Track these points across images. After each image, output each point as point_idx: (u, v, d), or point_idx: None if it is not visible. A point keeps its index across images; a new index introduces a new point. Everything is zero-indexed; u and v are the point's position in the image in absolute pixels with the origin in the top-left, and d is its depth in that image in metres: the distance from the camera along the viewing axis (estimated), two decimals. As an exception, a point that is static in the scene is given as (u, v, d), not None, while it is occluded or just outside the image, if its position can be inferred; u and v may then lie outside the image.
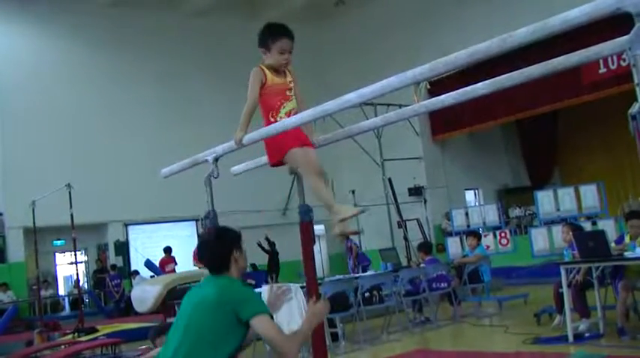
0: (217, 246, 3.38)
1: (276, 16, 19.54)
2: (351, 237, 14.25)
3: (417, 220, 18.27)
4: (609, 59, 14.67)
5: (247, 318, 3.13)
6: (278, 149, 4.08)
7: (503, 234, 13.25)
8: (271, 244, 18.33)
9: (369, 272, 11.40)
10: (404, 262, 14.70)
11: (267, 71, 4.05)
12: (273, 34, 4.05)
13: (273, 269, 18.08)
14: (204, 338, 3.14)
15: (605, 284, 7.82)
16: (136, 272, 17.40)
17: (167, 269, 16.01)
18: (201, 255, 3.47)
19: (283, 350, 3.15)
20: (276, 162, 4.16)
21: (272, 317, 3.27)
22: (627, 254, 6.98)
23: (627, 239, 7.37)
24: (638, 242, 7.21)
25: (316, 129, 4.27)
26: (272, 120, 4.06)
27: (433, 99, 3.62)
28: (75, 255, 13.92)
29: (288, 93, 4.12)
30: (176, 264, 16.63)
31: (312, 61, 19.47)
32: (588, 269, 7.59)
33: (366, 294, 9.54)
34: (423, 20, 18.85)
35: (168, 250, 16.90)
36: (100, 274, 18.58)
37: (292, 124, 3.83)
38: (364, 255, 15.59)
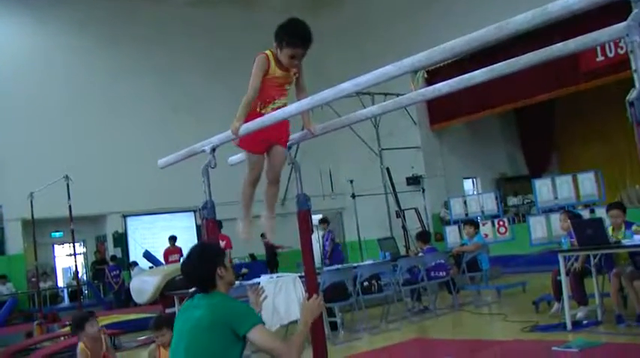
0: (200, 267, 3.34)
1: (274, 5, 19.57)
2: (331, 228, 14.27)
3: (415, 209, 18.28)
4: (607, 47, 14.65)
5: (244, 333, 3.15)
6: (246, 141, 4.17)
7: (501, 223, 13.26)
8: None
9: (367, 262, 11.40)
10: (402, 251, 14.73)
11: (272, 61, 3.99)
12: (290, 39, 3.92)
13: (272, 261, 18.05)
14: None
15: (602, 271, 7.84)
16: (135, 264, 17.39)
17: (171, 260, 15.77)
18: (186, 276, 3.44)
19: (285, 357, 3.17)
20: (238, 146, 4.26)
21: (264, 324, 3.28)
22: (625, 241, 6.99)
23: (610, 231, 7.32)
24: (634, 230, 7.23)
25: (314, 118, 4.26)
26: (257, 110, 4.06)
27: (430, 87, 3.61)
28: (73, 246, 13.90)
29: (286, 87, 4.11)
30: (182, 255, 16.32)
31: (310, 50, 19.39)
32: (586, 257, 7.62)
33: (365, 283, 9.56)
34: (422, 9, 18.78)
35: (173, 239, 16.55)
36: (98, 265, 18.57)
37: (290, 113, 3.83)
38: (340, 251, 14.93)
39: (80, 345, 5.61)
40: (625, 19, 2.36)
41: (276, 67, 4.00)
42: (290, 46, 3.92)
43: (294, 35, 3.95)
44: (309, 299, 3.52)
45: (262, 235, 17.84)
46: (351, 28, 21.00)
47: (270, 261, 18.00)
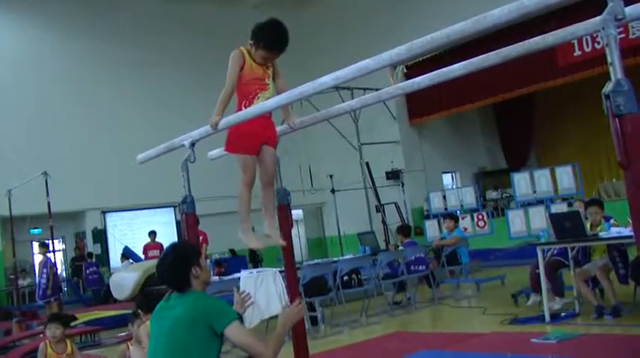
0: (174, 267, 3.34)
1: (253, 0, 19.49)
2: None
3: (395, 204, 18.34)
4: (584, 42, 14.77)
5: (222, 330, 3.15)
6: (234, 145, 4.14)
7: (480, 217, 13.33)
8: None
9: (347, 256, 11.42)
10: (382, 245, 14.77)
11: (247, 56, 4.04)
12: (267, 43, 3.98)
13: (253, 257, 17.97)
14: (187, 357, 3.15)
15: (580, 264, 7.92)
16: (126, 257, 16.94)
17: (150, 255, 15.60)
18: (161, 277, 3.43)
19: (261, 355, 3.17)
20: (230, 152, 4.22)
21: (242, 320, 3.27)
22: (602, 234, 7.05)
23: (588, 227, 7.35)
24: (612, 223, 7.30)
25: (293, 112, 4.27)
26: (244, 109, 4.05)
27: (409, 81, 3.62)
28: (52, 243, 13.79)
29: (266, 80, 4.11)
30: (162, 250, 16.02)
31: (291, 46, 19.26)
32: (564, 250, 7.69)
33: (345, 278, 9.58)
34: (403, 3, 18.76)
35: (153, 234, 16.28)
36: (78, 262, 18.42)
37: (270, 107, 3.82)
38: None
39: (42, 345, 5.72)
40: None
41: (251, 61, 4.04)
42: (266, 49, 3.99)
43: (273, 40, 4.01)
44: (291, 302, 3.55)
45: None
46: (332, 22, 20.94)
47: (252, 258, 17.92)
